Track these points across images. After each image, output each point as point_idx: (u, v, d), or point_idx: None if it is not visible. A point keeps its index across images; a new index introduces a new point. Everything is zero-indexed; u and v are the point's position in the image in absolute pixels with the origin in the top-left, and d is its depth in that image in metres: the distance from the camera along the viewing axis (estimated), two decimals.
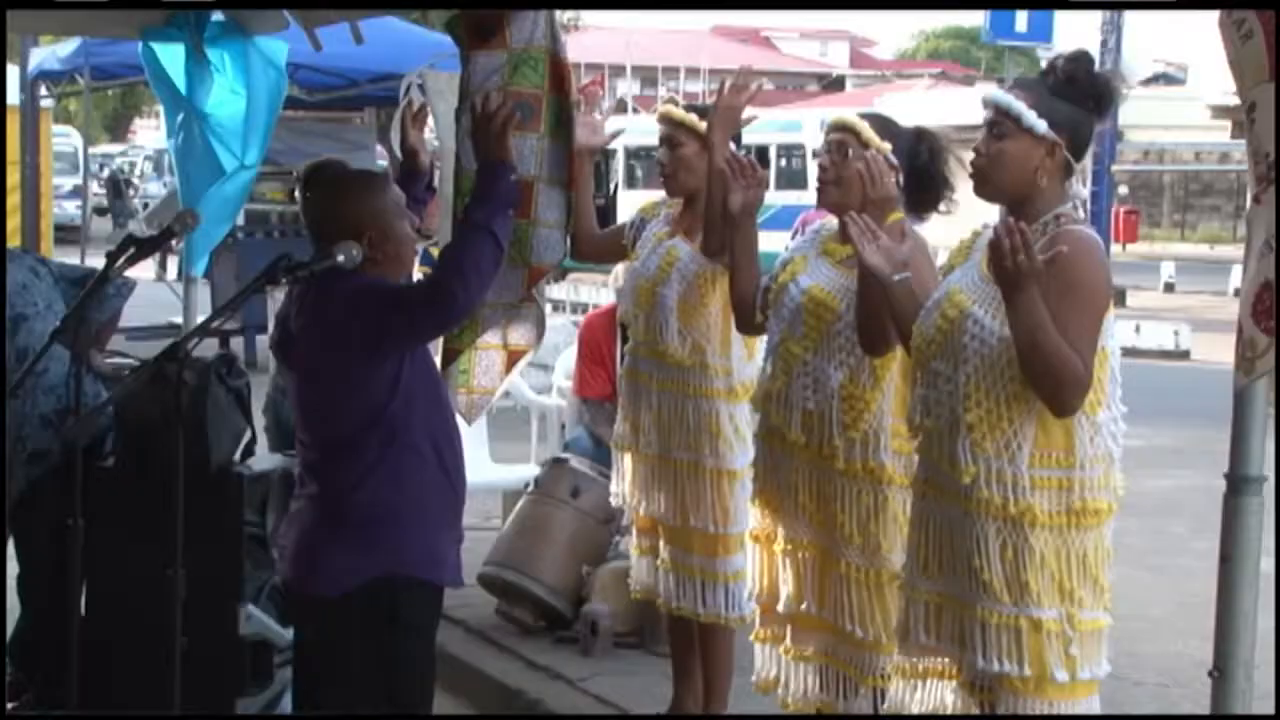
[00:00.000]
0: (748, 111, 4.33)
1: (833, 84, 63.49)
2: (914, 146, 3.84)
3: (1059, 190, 3.17)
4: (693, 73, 46.16)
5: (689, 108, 4.56)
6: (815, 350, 3.79)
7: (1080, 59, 3.16)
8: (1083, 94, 3.15)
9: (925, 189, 3.81)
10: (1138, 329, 17.17)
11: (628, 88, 47.45)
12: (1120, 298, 23.31)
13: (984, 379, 3.08)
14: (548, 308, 5.07)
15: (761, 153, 23.06)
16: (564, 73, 4.47)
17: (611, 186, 25.05)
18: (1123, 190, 38.77)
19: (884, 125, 3.86)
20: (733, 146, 4.24)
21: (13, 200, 14.05)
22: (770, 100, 48.92)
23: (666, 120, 4.52)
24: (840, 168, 3.82)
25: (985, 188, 3.19)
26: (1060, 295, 2.99)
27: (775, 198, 20.83)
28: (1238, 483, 3.22)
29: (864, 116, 3.86)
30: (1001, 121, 3.16)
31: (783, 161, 23.25)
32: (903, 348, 3.46)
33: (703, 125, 4.39)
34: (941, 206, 3.86)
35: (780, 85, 63.94)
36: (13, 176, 13.74)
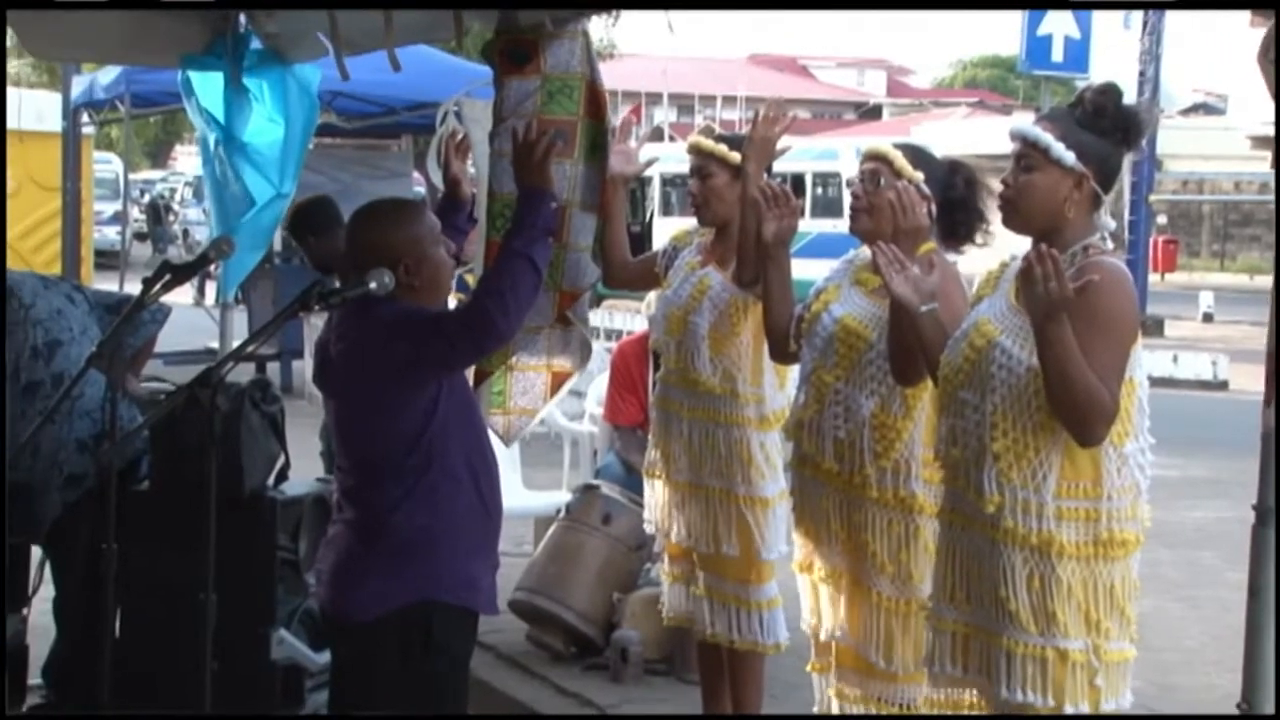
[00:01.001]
0: (782, 142, 4.36)
1: (869, 112, 63.53)
2: (948, 178, 3.86)
3: (1087, 222, 3.18)
4: (729, 101, 46.32)
5: (720, 138, 4.58)
6: (847, 379, 3.81)
7: (1109, 91, 3.18)
8: (1111, 126, 3.17)
9: (959, 220, 3.83)
10: (1175, 359, 17.11)
11: (664, 116, 47.65)
12: (1158, 327, 23.23)
13: (1011, 409, 3.10)
14: None
15: (797, 180, 23.08)
16: (600, 98, 4.52)
17: (648, 214, 25.13)
18: (1161, 220, 38.57)
19: (917, 155, 3.88)
20: (766, 176, 4.26)
21: (54, 226, 14.21)
22: (807, 128, 49.02)
23: (696, 151, 4.56)
24: (872, 196, 3.84)
25: (1013, 219, 3.21)
26: (1088, 325, 3.00)
27: (810, 225, 20.96)
28: (1265, 514, 3.22)
29: (898, 146, 3.89)
30: (1029, 153, 3.17)
31: (818, 190, 23.25)
32: (931, 378, 3.47)
33: (733, 156, 4.42)
34: (976, 238, 3.87)
35: (817, 114, 64.03)
36: (54, 202, 13.91)
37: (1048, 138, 3.15)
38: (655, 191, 25.19)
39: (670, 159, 18.83)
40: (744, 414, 4.42)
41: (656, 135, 45.76)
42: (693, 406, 4.48)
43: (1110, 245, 3.18)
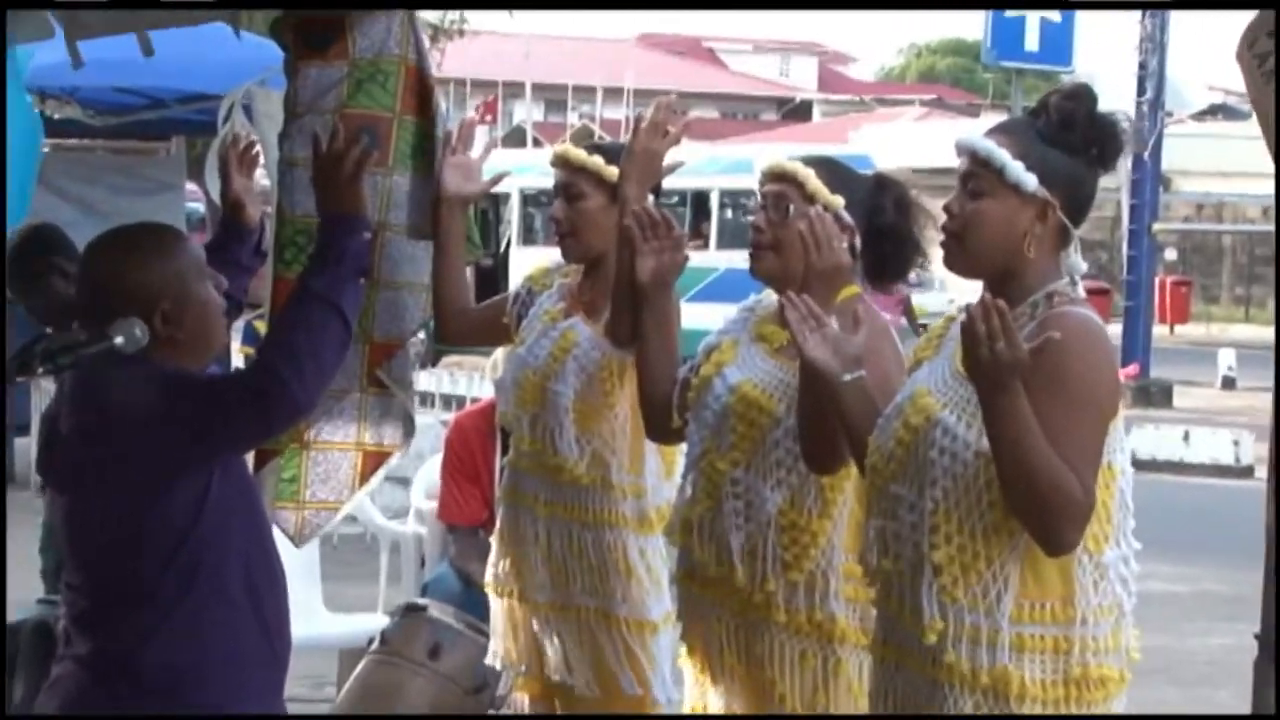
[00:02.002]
0: (674, 154, 4.40)
1: (795, 111, 64.35)
2: (874, 199, 3.92)
3: (1052, 262, 3.26)
4: (613, 94, 46.68)
5: (595, 147, 4.62)
6: (747, 465, 3.85)
7: (1079, 95, 3.25)
8: (1083, 140, 3.24)
9: (888, 254, 3.89)
10: (1187, 437, 17.41)
11: (527, 112, 47.85)
12: (1165, 396, 23.72)
13: (956, 506, 3.14)
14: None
15: (700, 200, 23.34)
16: (426, 87, 4.54)
17: (502, 242, 25.16)
18: (1170, 255, 39.45)
19: (835, 173, 3.94)
20: (651, 200, 4.30)
21: None
22: (713, 132, 49.49)
23: (563, 164, 4.56)
24: (778, 228, 3.89)
25: (958, 258, 3.27)
26: (1052, 396, 3.05)
27: (718, 259, 21.23)
28: (1269, 643, 3.29)
29: (810, 162, 3.93)
30: (980, 174, 3.24)
31: (728, 212, 23.48)
32: (856, 465, 3.52)
33: (610, 171, 4.43)
34: (911, 277, 3.94)
35: (727, 113, 64.75)
36: None
37: (1003, 155, 3.21)
38: (514, 213, 25.26)
39: (533, 170, 18.92)
40: (619, 511, 4.43)
41: (517, 139, 46.19)
42: (552, 501, 4.48)
43: (1081, 292, 3.25)
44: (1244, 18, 3.78)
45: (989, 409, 3.05)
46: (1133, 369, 23.45)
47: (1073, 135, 3.24)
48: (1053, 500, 3.03)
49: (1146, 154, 23.46)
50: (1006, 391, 3.01)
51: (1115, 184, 26.14)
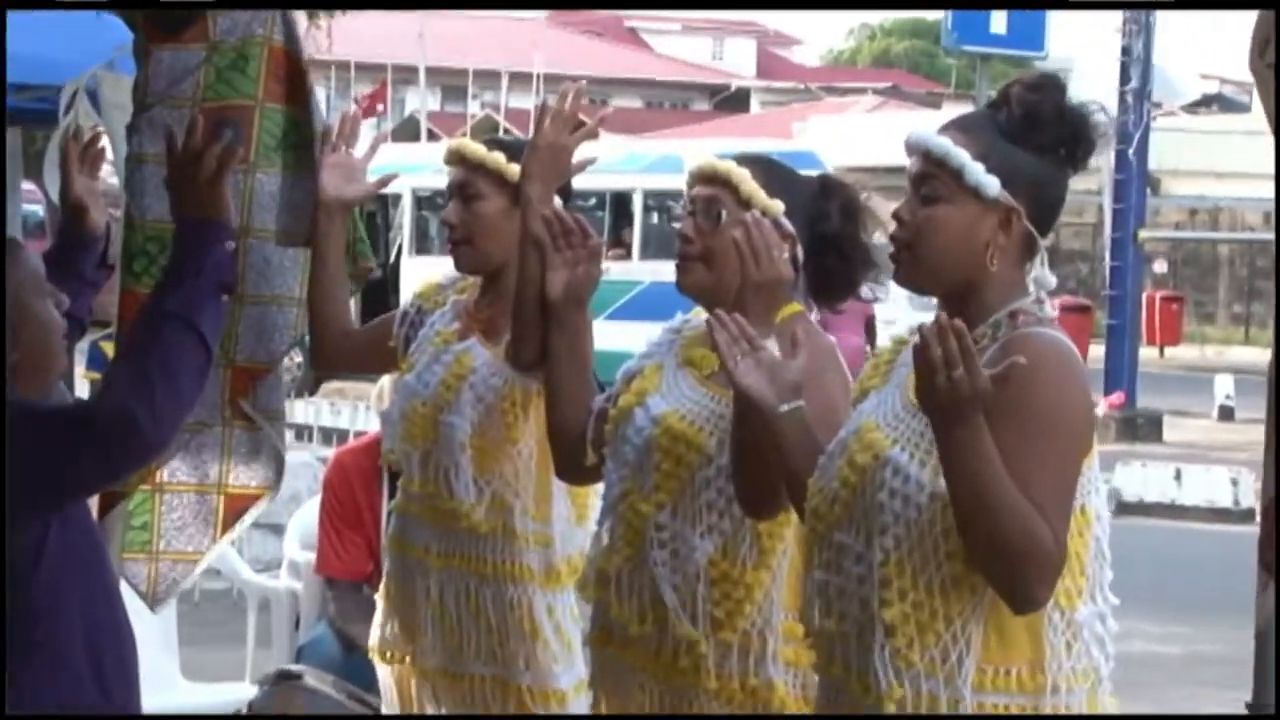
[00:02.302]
0: (586, 149, 4.41)
1: (730, 100, 64.62)
2: (817, 204, 3.94)
3: (1016, 277, 3.28)
4: (520, 80, 46.70)
5: (495, 142, 4.62)
6: (673, 509, 3.85)
7: (1045, 86, 3.28)
8: (1050, 138, 3.27)
9: (833, 268, 3.91)
10: (1178, 475, 17.50)
11: (421, 101, 47.79)
12: (1154, 428, 23.86)
13: (909, 557, 3.15)
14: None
15: (622, 203, 23.40)
16: (298, 73, 4.54)
17: (392, 252, 25.12)
18: (1159, 267, 39.75)
19: (774, 174, 3.95)
20: (559, 202, 4.30)
21: None
22: (637, 123, 49.55)
23: (459, 160, 4.58)
24: (708, 238, 3.90)
25: (911, 272, 3.29)
26: (1017, 430, 3.07)
27: (641, 271, 21.30)
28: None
29: (744, 161, 3.94)
30: (935, 176, 3.26)
31: (653, 216, 23.53)
32: (796, 509, 3.53)
33: (512, 169, 4.45)
34: (864, 292, 3.95)
35: (652, 102, 64.90)
36: None
37: (960, 155, 3.24)
38: (405, 217, 25.23)
39: (428, 168, 18.91)
40: (524, 563, 4.45)
41: (409, 131, 46.09)
42: (447, 552, 4.49)
43: (1050, 311, 3.27)
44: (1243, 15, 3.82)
45: (945, 445, 3.06)
46: (1117, 397, 23.58)
47: (1038, 132, 3.27)
48: (1019, 550, 3.04)
49: (1131, 151, 23.56)
50: (966, 425, 3.02)
51: (1097, 186, 26.37)
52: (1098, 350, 23.57)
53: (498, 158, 4.52)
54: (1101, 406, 22.33)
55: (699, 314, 4.02)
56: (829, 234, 3.92)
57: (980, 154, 3.24)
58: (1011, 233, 3.26)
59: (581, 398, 4.11)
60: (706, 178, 3.96)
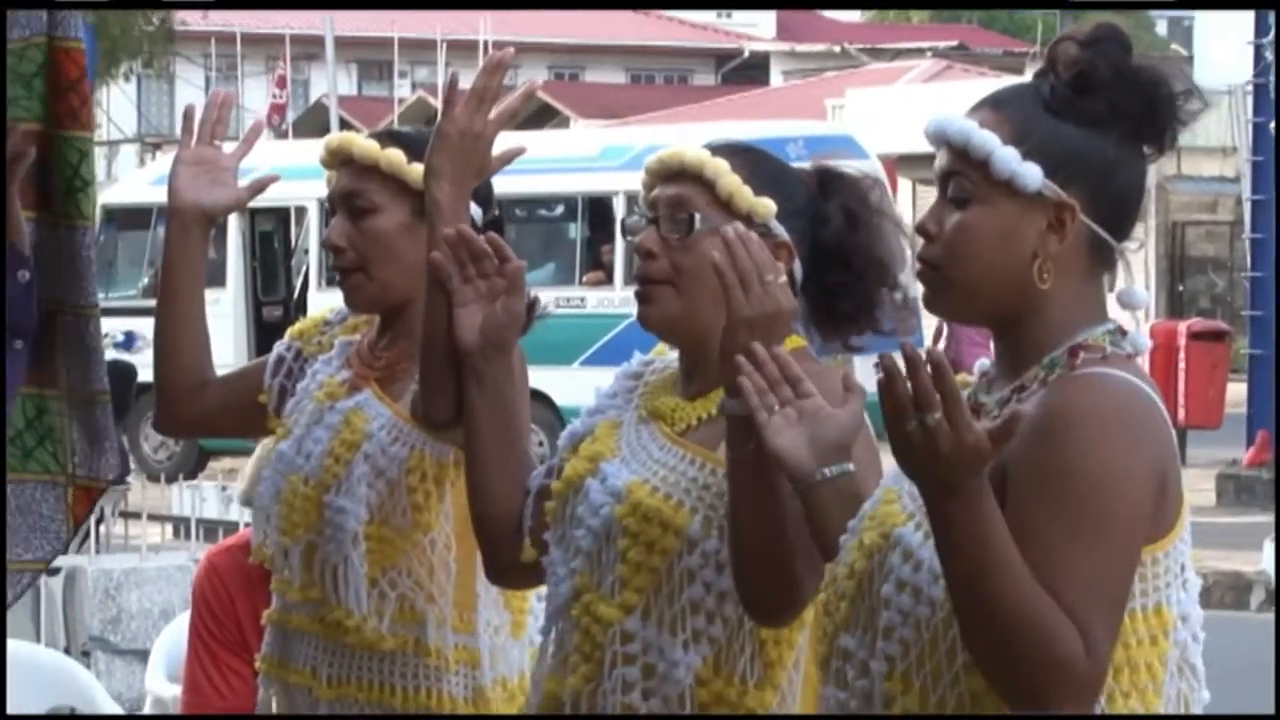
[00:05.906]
0: (516, 137, 4.41)
1: (743, 70, 64.67)
2: (815, 204, 3.96)
3: (1084, 296, 3.28)
4: (462, 50, 46.63)
5: (391, 136, 4.65)
6: (645, 612, 3.87)
7: (1102, 40, 3.27)
8: (1107, 106, 3.26)
9: (836, 290, 3.92)
10: None
11: (330, 82, 47.76)
12: None
13: (918, 669, 3.17)
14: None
15: (599, 210, 23.39)
16: (74, 79, 4.56)
17: (295, 281, 25.21)
18: None
19: (759, 165, 3.97)
20: (477, 212, 4.34)
21: None
22: (621, 104, 49.51)
23: (344, 161, 4.61)
24: (676, 252, 3.90)
25: (942, 296, 3.31)
26: (1045, 506, 3.08)
27: (625, 302, 20.91)
28: None
29: (719, 151, 3.95)
30: (959, 172, 3.28)
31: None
32: None
33: (417, 172, 4.44)
34: (884, 325, 3.94)
35: (640, 75, 65.00)
36: None
37: (986, 139, 3.24)
38: (312, 238, 25.30)
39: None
40: (443, 690, 4.48)
41: (316, 123, 46.18)
42: (340, 678, 4.52)
43: (1132, 345, 3.25)
44: None
45: (935, 523, 3.06)
46: (1261, 443, 23.38)
47: (1092, 99, 3.26)
48: (1035, 663, 3.03)
49: (1273, 124, 23.49)
50: (957, 496, 3.00)
51: (1234, 172, 26.38)
52: (1238, 388, 23.60)
53: (394, 157, 4.54)
54: (1242, 460, 22.34)
55: (664, 352, 4.01)
56: (828, 243, 3.93)
57: (1015, 135, 3.24)
58: (1066, 237, 3.25)
59: (512, 473, 4.11)
60: (672, 173, 3.96)
